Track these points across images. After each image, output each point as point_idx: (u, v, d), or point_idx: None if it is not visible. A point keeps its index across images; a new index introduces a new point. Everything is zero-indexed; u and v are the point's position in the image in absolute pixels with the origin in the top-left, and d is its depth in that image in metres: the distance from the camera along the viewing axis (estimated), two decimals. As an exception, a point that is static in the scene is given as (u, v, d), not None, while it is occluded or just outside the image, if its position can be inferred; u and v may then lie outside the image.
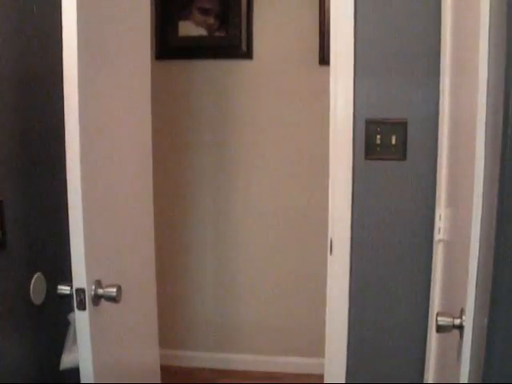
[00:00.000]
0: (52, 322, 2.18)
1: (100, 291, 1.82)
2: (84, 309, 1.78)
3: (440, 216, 2.25)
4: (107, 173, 1.99)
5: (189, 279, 3.97)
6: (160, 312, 2.63)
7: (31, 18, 2.06)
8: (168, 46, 3.80)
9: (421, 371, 2.42)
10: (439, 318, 1.61)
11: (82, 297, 1.77)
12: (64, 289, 1.84)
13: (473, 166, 1.45)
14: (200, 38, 3.77)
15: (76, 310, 1.79)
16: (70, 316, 2.14)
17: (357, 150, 2.40)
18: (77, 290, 1.77)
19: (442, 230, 2.24)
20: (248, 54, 3.74)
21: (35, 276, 2.07)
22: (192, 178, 3.89)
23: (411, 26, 2.32)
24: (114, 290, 1.83)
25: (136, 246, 2.32)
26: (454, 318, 1.57)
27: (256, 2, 3.69)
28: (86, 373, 1.82)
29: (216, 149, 3.85)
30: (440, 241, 2.27)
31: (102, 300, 1.84)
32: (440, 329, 1.61)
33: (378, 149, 2.39)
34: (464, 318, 1.50)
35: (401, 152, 2.38)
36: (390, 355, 2.50)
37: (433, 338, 2.30)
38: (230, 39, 3.73)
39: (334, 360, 2.53)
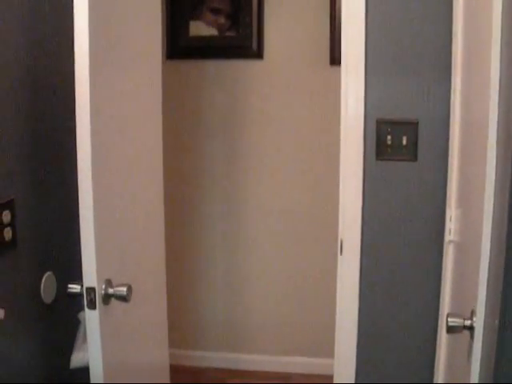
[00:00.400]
0: (62, 320, 2.19)
1: (110, 290, 1.83)
2: (94, 308, 1.78)
3: (451, 217, 2.24)
4: (118, 172, 1.99)
5: (198, 279, 3.97)
6: (170, 312, 2.63)
7: (43, 18, 2.07)
8: (179, 46, 3.80)
9: (430, 371, 2.42)
10: (450, 319, 1.60)
11: (93, 296, 1.77)
12: (74, 288, 1.84)
13: (484, 166, 1.44)
14: (211, 37, 3.77)
15: (86, 309, 1.80)
16: (80, 315, 2.15)
17: (367, 151, 2.39)
18: (87, 289, 1.78)
19: (452, 231, 2.23)
20: (259, 54, 3.73)
21: (46, 275, 2.08)
22: (202, 177, 3.89)
23: (422, 25, 2.31)
24: (125, 289, 1.83)
25: (146, 245, 2.32)
26: (464, 319, 1.56)
27: (267, 2, 3.69)
28: (96, 371, 1.83)
29: (227, 148, 3.85)
30: (451, 242, 2.26)
31: (112, 299, 1.84)
32: (450, 330, 1.60)
33: (389, 149, 2.38)
34: (475, 319, 1.49)
35: (412, 153, 2.37)
36: (400, 355, 2.49)
37: (443, 338, 2.30)
38: (241, 39, 3.73)
39: (344, 360, 2.52)
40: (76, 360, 2.14)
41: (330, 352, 2.68)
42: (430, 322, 2.42)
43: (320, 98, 3.70)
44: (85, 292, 1.78)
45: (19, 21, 1.94)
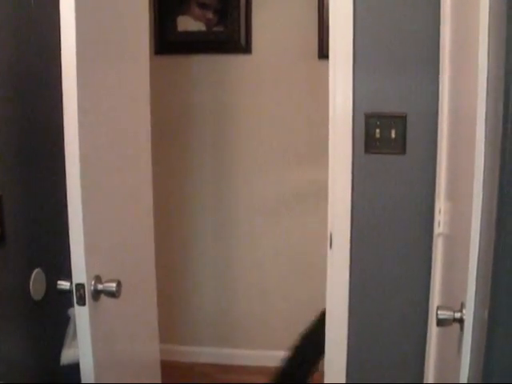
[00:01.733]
0: (52, 317, 2.18)
1: (100, 286, 1.82)
2: (84, 304, 1.78)
3: (440, 210, 2.25)
4: (106, 168, 1.99)
5: (189, 274, 3.97)
6: (160, 307, 2.63)
7: (28, 12, 2.06)
8: (167, 41, 3.79)
9: (421, 365, 2.42)
10: (439, 312, 1.61)
11: (82, 292, 1.77)
12: (64, 284, 1.84)
13: (473, 158, 1.45)
14: (199, 32, 3.76)
15: (76, 305, 1.79)
16: (70, 311, 2.14)
17: (356, 144, 2.39)
18: (76, 285, 1.77)
19: (441, 224, 2.23)
20: (247, 49, 3.73)
21: (35, 272, 2.07)
22: (192, 173, 3.88)
23: (410, 19, 2.31)
24: (114, 285, 1.83)
25: (136, 241, 2.32)
26: (454, 311, 1.57)
27: (254, -3, 3.69)
28: (86, 368, 1.83)
29: (216, 143, 3.85)
30: (440, 234, 2.27)
31: (102, 295, 1.84)
32: (440, 322, 1.61)
33: (378, 143, 2.38)
34: (464, 311, 1.50)
35: (400, 146, 2.37)
36: (391, 349, 2.50)
37: (433, 331, 2.30)
38: (229, 34, 3.73)
39: (334, 354, 2.53)
40: (66, 356, 2.13)
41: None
42: (420, 315, 2.42)
43: (309, 92, 3.70)
44: (74, 288, 1.78)
45: (2, 15, 1.92)
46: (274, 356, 3.92)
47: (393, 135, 2.37)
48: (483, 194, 1.44)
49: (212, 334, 4.02)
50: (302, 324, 3.89)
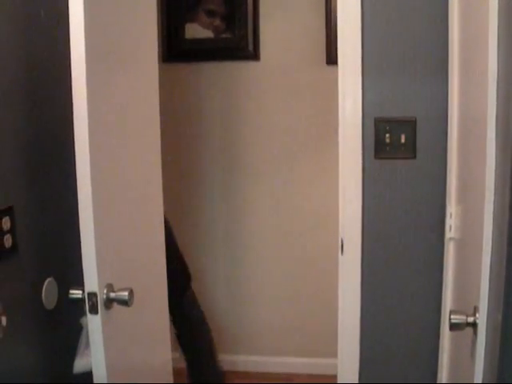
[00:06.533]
0: (64, 326, 2.18)
1: (112, 295, 1.82)
2: (96, 313, 1.78)
3: (451, 214, 2.24)
4: (117, 176, 1.99)
5: (198, 281, 3.96)
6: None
7: (38, 22, 2.07)
8: (175, 49, 3.80)
9: (434, 370, 2.41)
10: (452, 316, 1.60)
11: (94, 301, 1.77)
12: (76, 293, 1.84)
13: (484, 161, 1.44)
14: (207, 40, 3.77)
15: (88, 314, 1.79)
16: (83, 320, 2.14)
17: (366, 149, 2.39)
18: (89, 294, 1.77)
19: (453, 228, 2.22)
20: (255, 55, 3.73)
21: (47, 281, 2.08)
22: (201, 180, 3.89)
23: (419, 23, 2.31)
24: (126, 293, 1.83)
25: (147, 249, 2.32)
26: (467, 315, 1.56)
27: (262, 3, 3.69)
28: (99, 376, 1.82)
29: (224, 149, 3.85)
30: (451, 239, 2.26)
31: (114, 304, 1.84)
32: (453, 327, 1.60)
33: (388, 148, 2.38)
34: (477, 315, 1.49)
35: (410, 150, 2.37)
36: (403, 354, 2.49)
37: (446, 336, 2.29)
38: (237, 41, 3.73)
39: (347, 359, 2.52)
40: (79, 365, 2.13)
41: (331, 352, 2.68)
42: (432, 319, 2.41)
43: (317, 98, 3.70)
44: (86, 297, 1.78)
45: (13, 26, 1.93)
46: (284, 362, 3.93)
47: (402, 140, 2.36)
48: (495, 197, 1.43)
49: (221, 341, 3.99)
50: (312, 330, 3.89)
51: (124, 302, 1.84)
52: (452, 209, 2.24)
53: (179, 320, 3.27)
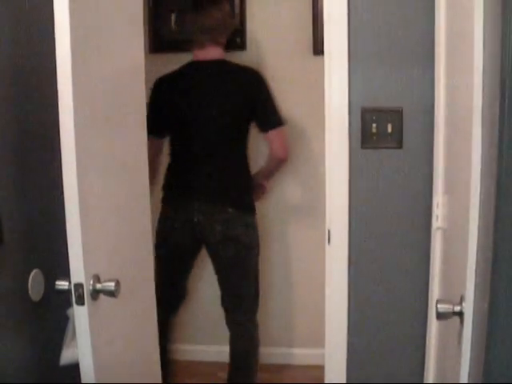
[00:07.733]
0: (51, 317, 2.17)
1: (98, 286, 1.82)
2: (82, 304, 1.78)
3: (437, 203, 2.25)
4: (103, 167, 1.98)
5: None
6: (159, 306, 2.62)
7: (22, 13, 2.05)
8: (161, 39, 3.78)
9: (421, 359, 2.42)
10: (439, 305, 1.61)
11: (81, 292, 1.77)
12: (62, 284, 1.83)
13: (470, 151, 1.45)
14: (193, 30, 3.74)
15: (75, 305, 1.79)
16: (69, 311, 2.14)
17: (353, 139, 2.39)
18: (75, 285, 1.77)
19: (439, 218, 2.23)
20: (241, 45, 3.72)
21: (33, 272, 2.06)
22: (188, 171, 3.87)
23: (405, 13, 2.31)
24: (113, 284, 1.82)
25: (134, 240, 2.31)
26: (453, 304, 1.57)
27: (249, -7, 3.68)
28: (86, 367, 1.82)
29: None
30: (438, 228, 2.26)
31: (101, 295, 1.84)
32: (440, 316, 1.61)
33: (374, 137, 2.38)
34: (464, 304, 1.50)
35: (397, 140, 2.37)
36: (390, 343, 2.50)
37: (433, 325, 2.30)
38: (223, 31, 3.71)
39: (334, 350, 2.53)
40: (66, 357, 2.12)
41: (320, 342, 2.68)
42: (419, 309, 2.42)
43: (304, 88, 3.69)
44: (73, 288, 1.77)
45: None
46: (274, 353, 3.93)
47: (389, 130, 2.36)
48: (481, 187, 1.44)
49: (212, 332, 4.02)
50: (301, 320, 3.89)
51: (111, 293, 1.84)
52: (439, 198, 2.24)
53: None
